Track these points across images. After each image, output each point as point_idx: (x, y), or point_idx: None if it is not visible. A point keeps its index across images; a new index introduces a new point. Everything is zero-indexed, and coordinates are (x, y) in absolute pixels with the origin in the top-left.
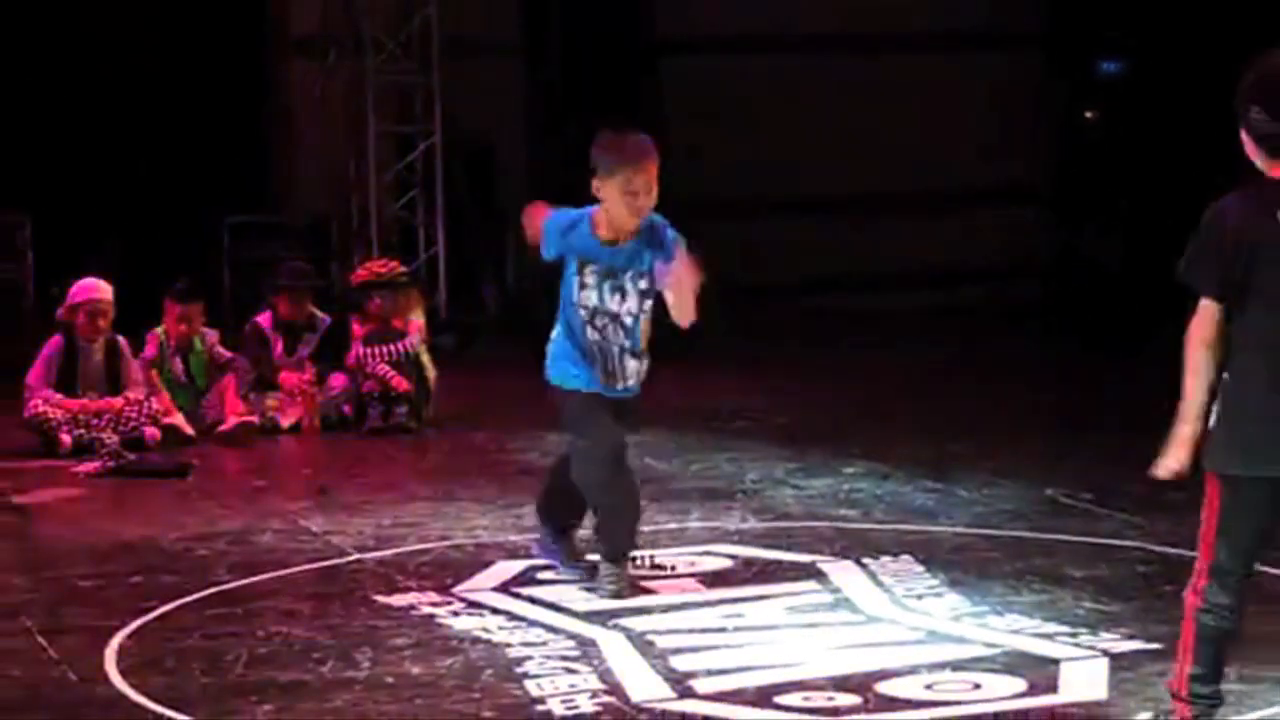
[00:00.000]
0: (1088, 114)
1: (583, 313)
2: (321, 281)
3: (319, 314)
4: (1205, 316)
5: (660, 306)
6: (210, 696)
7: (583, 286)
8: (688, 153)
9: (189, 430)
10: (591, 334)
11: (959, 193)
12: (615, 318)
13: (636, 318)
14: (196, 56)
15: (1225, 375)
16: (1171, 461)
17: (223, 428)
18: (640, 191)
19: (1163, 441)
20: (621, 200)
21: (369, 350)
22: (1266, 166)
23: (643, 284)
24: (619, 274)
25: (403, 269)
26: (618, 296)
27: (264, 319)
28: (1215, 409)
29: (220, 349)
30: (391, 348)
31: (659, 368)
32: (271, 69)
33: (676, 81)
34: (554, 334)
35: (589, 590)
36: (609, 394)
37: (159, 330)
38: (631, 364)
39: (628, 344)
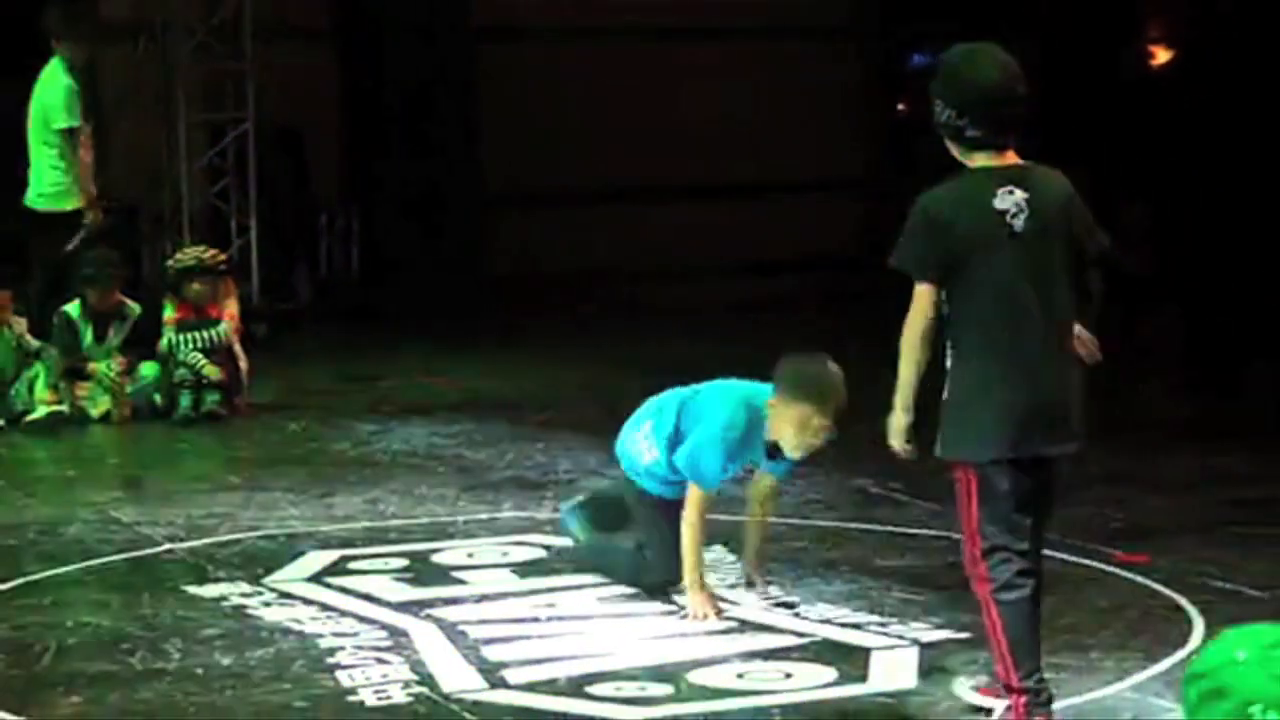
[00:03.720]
0: (899, 106)
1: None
2: (129, 270)
3: (129, 302)
4: (924, 301)
5: None
6: (16, 689)
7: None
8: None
9: None
10: None
11: (776, 184)
12: None
13: None
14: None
15: (950, 363)
16: (902, 445)
17: (31, 417)
18: (818, 432)
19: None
20: (794, 434)
21: (181, 338)
22: (965, 158)
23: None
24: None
25: (222, 256)
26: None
27: (72, 308)
28: (946, 395)
29: (28, 337)
30: (204, 335)
31: (475, 359)
32: None
33: (493, 70)
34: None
35: None
36: None
37: None
38: None
39: None
